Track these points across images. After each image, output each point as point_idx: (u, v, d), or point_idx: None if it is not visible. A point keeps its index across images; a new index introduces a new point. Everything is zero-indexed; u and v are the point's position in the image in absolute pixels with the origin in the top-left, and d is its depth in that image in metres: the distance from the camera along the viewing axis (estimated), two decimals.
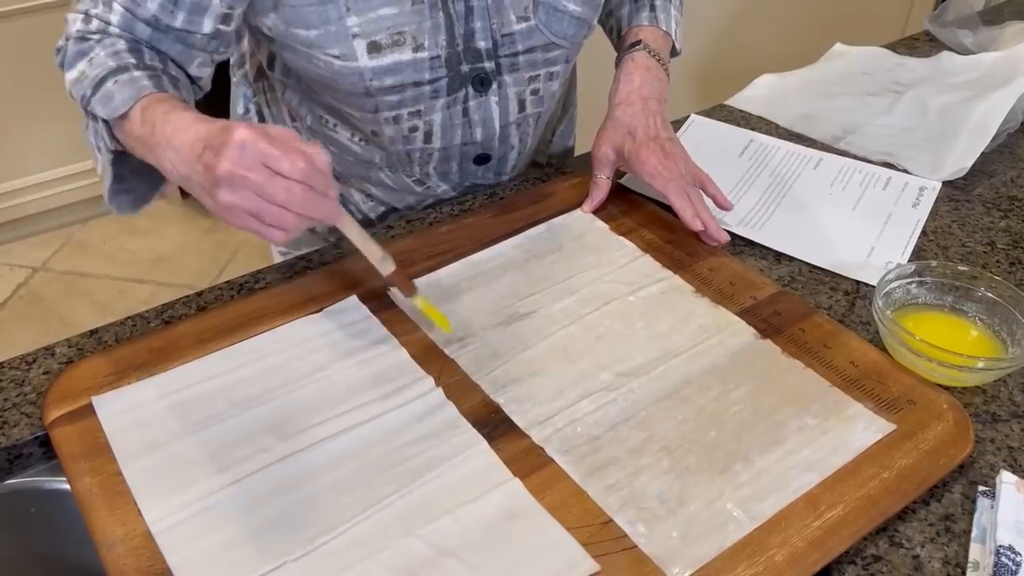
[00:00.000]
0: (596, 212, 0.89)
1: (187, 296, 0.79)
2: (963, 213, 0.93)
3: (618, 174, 0.94)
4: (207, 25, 0.73)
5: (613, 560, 0.56)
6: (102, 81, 0.69)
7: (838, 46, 1.27)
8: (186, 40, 0.73)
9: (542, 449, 0.64)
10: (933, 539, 0.60)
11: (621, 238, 0.85)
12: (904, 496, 0.61)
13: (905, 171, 0.99)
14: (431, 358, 0.71)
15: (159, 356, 0.71)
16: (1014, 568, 0.56)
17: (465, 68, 0.81)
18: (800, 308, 0.77)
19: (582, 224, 0.87)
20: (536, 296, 0.78)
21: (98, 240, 2.36)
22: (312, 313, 0.75)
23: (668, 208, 0.90)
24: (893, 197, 0.95)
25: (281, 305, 0.76)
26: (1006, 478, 0.62)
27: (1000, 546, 0.57)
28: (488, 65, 0.83)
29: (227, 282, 0.81)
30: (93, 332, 0.75)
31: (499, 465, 0.62)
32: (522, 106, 0.88)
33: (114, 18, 0.72)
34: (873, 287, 0.76)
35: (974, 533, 0.60)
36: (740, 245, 0.87)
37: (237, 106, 0.98)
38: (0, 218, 2.24)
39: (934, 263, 0.77)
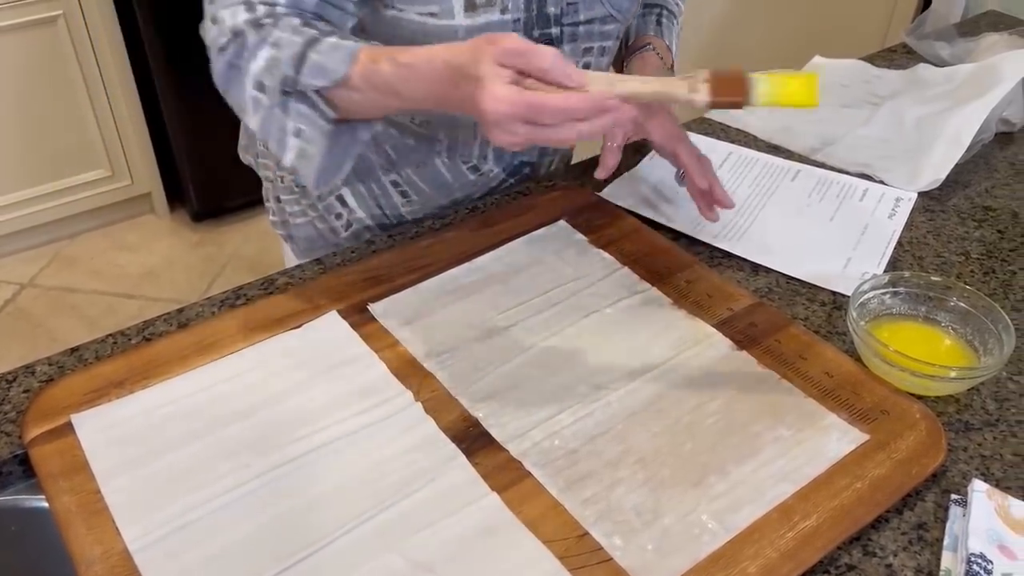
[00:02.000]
0: (575, 224, 0.90)
1: (168, 313, 0.79)
2: (938, 223, 0.94)
3: (598, 186, 0.95)
4: (350, 4, 0.76)
5: (589, 573, 0.57)
6: (302, 57, 0.70)
7: (817, 59, 1.28)
8: (342, 5, 0.76)
9: (520, 463, 0.64)
10: (906, 548, 0.60)
11: (600, 251, 0.86)
12: (877, 506, 0.62)
13: (882, 182, 1.00)
14: (410, 373, 0.72)
15: (139, 373, 0.71)
16: None
17: (536, 33, 0.84)
18: (776, 319, 0.78)
19: (561, 237, 0.88)
20: (515, 309, 0.79)
21: (86, 256, 2.36)
22: (292, 329, 0.76)
23: (648, 220, 0.91)
24: (870, 208, 0.96)
25: (262, 321, 0.76)
26: (977, 486, 0.63)
27: (971, 554, 0.58)
28: (554, 31, 0.85)
29: (208, 298, 0.81)
30: (74, 350, 0.76)
31: (477, 480, 0.63)
32: None
33: None
34: (849, 298, 0.77)
35: (946, 541, 0.61)
36: (718, 257, 0.88)
37: None
38: None
39: (907, 273, 0.78)
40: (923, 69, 1.20)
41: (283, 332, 0.75)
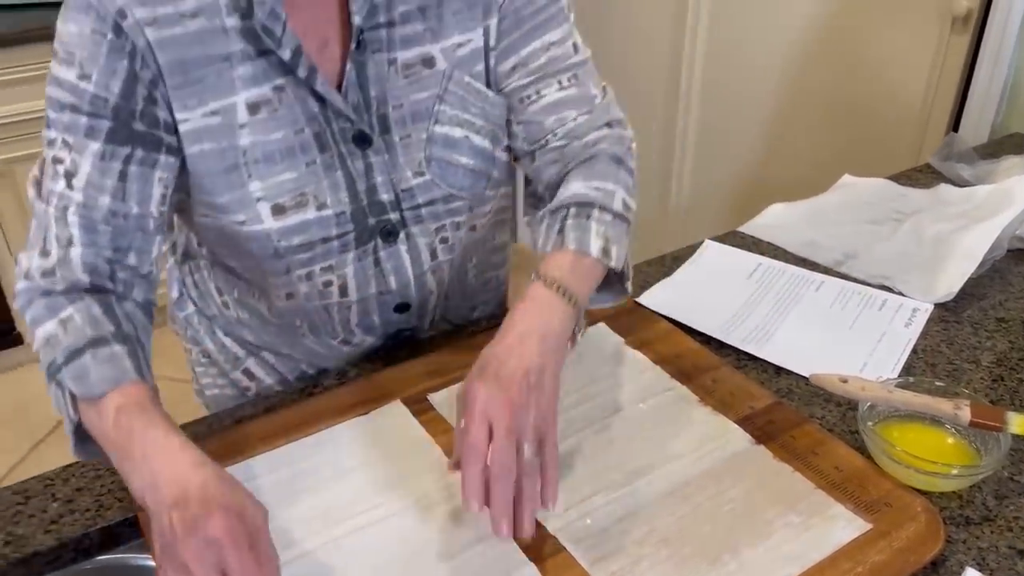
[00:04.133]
0: (613, 327, 1.00)
1: (255, 399, 0.92)
2: (952, 333, 1.02)
3: (635, 292, 1.05)
4: (154, 207, 0.78)
5: None
6: (78, 352, 0.69)
7: (846, 177, 1.38)
8: (144, 226, 0.77)
9: (556, 538, 0.73)
10: None
11: (635, 351, 0.96)
12: None
13: (901, 293, 1.09)
14: None
15: (232, 450, 0.82)
16: None
17: (372, 221, 0.85)
18: (793, 417, 0.86)
19: (600, 338, 0.98)
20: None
21: (168, 345, 2.53)
22: (361, 415, 0.87)
23: (680, 324, 1.00)
24: (888, 317, 1.04)
25: (335, 408, 0.88)
26: (970, 574, 0.69)
27: None
28: (393, 216, 0.85)
29: (290, 388, 0.93)
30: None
31: (516, 551, 0.72)
32: (434, 254, 0.91)
33: (74, 232, 0.74)
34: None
35: None
36: (744, 359, 0.97)
37: (171, 291, 1.06)
38: None
39: (912, 379, 0.86)
40: (945, 189, 1.29)
41: (354, 417, 0.86)
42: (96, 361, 0.69)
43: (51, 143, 0.76)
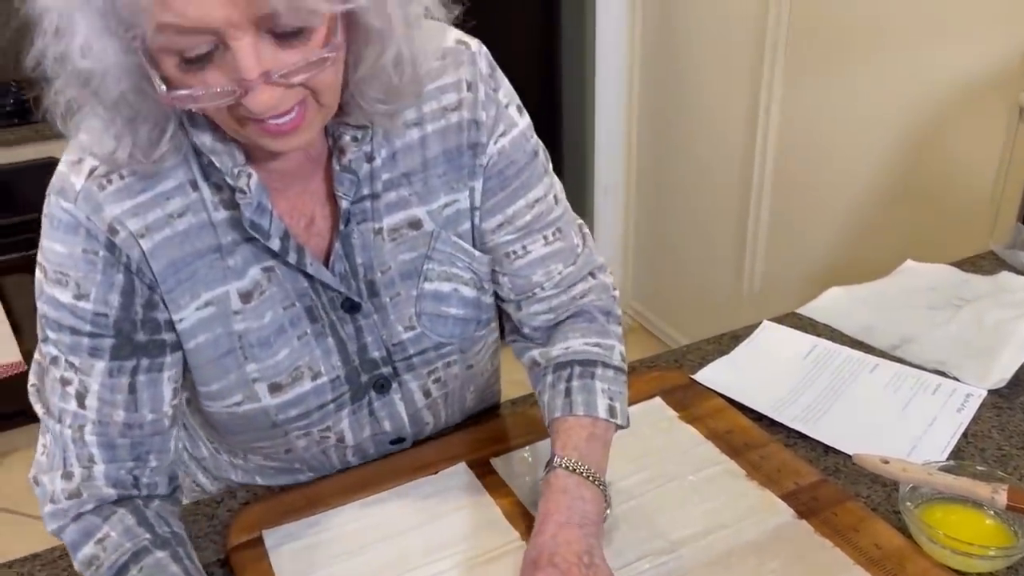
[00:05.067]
0: (668, 402, 1.06)
1: None
2: (1004, 419, 1.04)
3: (692, 369, 1.11)
4: (166, 406, 0.80)
5: None
6: (124, 570, 0.71)
7: (909, 262, 1.41)
8: (159, 428, 0.79)
9: None
10: None
11: (688, 426, 1.02)
12: None
13: (955, 379, 1.11)
14: (519, 517, 0.89)
15: (313, 502, 0.92)
16: None
17: (364, 377, 0.86)
18: (836, 495, 0.90)
19: (655, 412, 1.04)
20: (610, 472, 0.94)
21: None
22: (430, 474, 0.95)
23: (734, 401, 1.06)
24: (940, 401, 1.07)
25: (406, 467, 0.96)
26: None
27: None
28: (385, 370, 0.87)
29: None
30: None
31: None
32: (427, 394, 0.93)
33: (94, 451, 0.76)
34: None
35: None
36: (793, 437, 1.01)
37: None
38: None
39: (954, 462, 0.89)
40: (1006, 277, 1.31)
41: (423, 476, 0.95)
42: (144, 574, 0.71)
43: (55, 361, 0.77)
